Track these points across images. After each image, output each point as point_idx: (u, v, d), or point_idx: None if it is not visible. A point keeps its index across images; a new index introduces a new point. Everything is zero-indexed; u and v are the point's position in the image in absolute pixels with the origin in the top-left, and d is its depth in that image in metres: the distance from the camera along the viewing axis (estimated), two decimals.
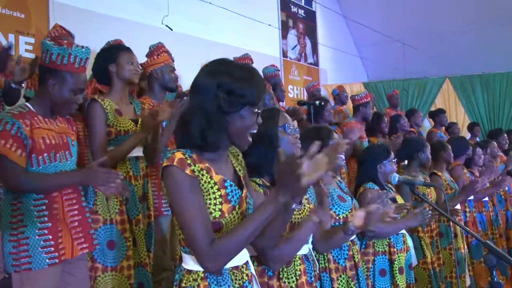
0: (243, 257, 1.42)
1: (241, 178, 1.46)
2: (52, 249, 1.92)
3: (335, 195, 2.23)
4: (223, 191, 1.34)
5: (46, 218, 1.92)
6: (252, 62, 5.19)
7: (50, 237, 1.92)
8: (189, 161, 1.30)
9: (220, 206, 1.33)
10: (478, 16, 8.43)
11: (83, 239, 2.03)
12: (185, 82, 5.26)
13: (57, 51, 1.96)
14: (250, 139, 1.38)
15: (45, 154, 1.94)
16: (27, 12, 4.19)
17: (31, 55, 4.20)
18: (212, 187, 1.33)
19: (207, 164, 1.34)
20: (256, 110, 1.36)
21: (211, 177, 1.33)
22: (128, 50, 2.65)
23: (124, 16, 5.06)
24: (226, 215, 1.34)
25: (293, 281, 1.68)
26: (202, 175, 1.32)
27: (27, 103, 2.01)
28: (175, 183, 1.28)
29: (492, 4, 8.28)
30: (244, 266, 1.43)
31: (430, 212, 2.62)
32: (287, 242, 1.59)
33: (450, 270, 3.26)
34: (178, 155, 1.29)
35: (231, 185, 1.37)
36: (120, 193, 2.05)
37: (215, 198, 1.33)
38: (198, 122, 1.32)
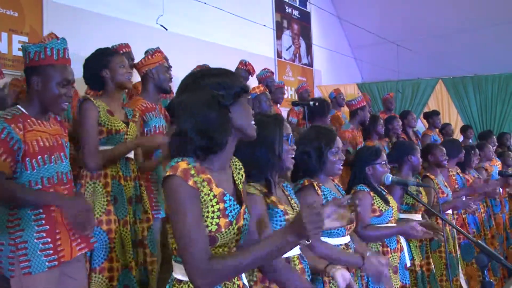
0: None
1: (241, 193, 1.44)
2: (51, 251, 1.89)
3: (330, 198, 2.20)
4: (221, 205, 1.32)
5: (43, 221, 1.91)
6: (254, 71, 5.26)
7: (49, 239, 1.90)
8: (192, 172, 1.28)
9: (217, 220, 1.30)
10: (471, 18, 8.49)
11: (80, 239, 2.01)
12: (179, 82, 5.25)
13: (33, 48, 1.94)
14: (255, 132, 1.39)
15: (39, 157, 1.91)
16: (21, 11, 4.16)
17: None
18: (211, 200, 1.31)
19: (208, 175, 1.32)
20: (248, 97, 1.39)
21: (211, 189, 1.31)
22: (117, 53, 2.65)
23: (119, 15, 5.04)
24: (223, 229, 1.31)
25: None
26: (203, 186, 1.30)
27: (18, 106, 1.97)
28: (176, 194, 1.26)
29: (486, 6, 8.35)
30: (236, 277, 1.40)
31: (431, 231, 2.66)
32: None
33: (440, 273, 3.27)
34: (182, 164, 1.27)
35: (230, 200, 1.35)
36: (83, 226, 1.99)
37: (213, 212, 1.30)
38: (199, 125, 1.29)
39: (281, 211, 1.71)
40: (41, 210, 1.91)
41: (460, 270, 3.43)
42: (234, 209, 1.35)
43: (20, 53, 4.13)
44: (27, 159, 1.88)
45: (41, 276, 1.87)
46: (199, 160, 1.32)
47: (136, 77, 3.08)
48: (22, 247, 1.85)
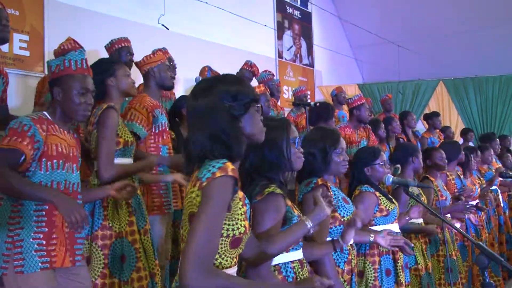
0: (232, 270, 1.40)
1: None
2: (45, 253, 1.91)
3: (340, 197, 2.25)
4: (244, 208, 1.37)
5: (44, 224, 1.93)
6: (258, 72, 5.26)
7: (44, 242, 1.92)
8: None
9: (244, 222, 1.35)
10: (472, 19, 8.49)
11: (75, 252, 2.03)
12: (181, 80, 5.26)
13: (55, 63, 2.07)
14: (264, 136, 1.44)
15: (55, 161, 1.97)
16: (22, 9, 4.15)
17: (26, 53, 4.18)
18: (238, 203, 1.35)
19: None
20: (258, 105, 1.41)
21: (236, 192, 1.34)
22: (121, 63, 2.67)
23: (120, 15, 5.04)
24: (248, 231, 1.37)
25: None
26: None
27: (44, 112, 2.06)
28: (223, 194, 1.26)
29: (486, 7, 8.34)
30: None
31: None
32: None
33: (438, 277, 3.27)
34: (230, 165, 1.28)
35: (248, 203, 1.41)
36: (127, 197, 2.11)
37: (241, 214, 1.34)
38: (214, 134, 1.31)
39: (297, 216, 1.75)
40: (44, 213, 1.94)
41: (458, 273, 3.42)
42: (248, 211, 1.41)
43: (21, 52, 4.13)
44: (43, 159, 1.94)
45: (34, 276, 1.88)
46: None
47: (138, 79, 3.10)
48: (18, 245, 1.88)
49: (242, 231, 1.33)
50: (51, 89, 2.08)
